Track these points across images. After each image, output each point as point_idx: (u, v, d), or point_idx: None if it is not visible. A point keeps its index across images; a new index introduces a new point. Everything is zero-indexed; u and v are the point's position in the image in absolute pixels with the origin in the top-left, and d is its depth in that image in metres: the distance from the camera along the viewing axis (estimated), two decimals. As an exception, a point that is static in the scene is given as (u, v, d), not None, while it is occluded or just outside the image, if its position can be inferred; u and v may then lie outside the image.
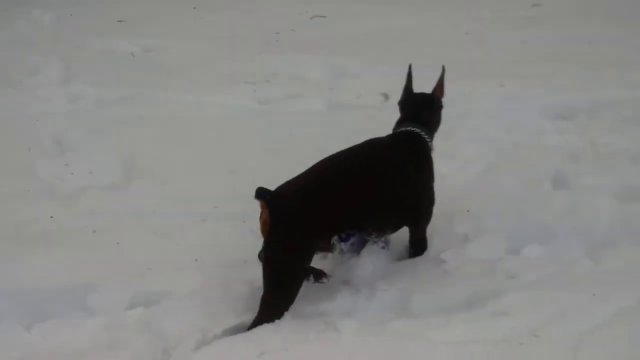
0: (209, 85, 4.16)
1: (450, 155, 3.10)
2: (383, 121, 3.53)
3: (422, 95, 2.48)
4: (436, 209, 2.41)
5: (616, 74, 4.10)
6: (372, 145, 2.35)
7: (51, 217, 2.71)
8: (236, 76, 4.32)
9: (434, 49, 4.93)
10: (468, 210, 2.65)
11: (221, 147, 3.30)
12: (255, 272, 2.12)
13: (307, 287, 2.19)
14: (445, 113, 2.54)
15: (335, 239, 2.29)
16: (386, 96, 3.93)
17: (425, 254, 2.40)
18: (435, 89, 2.47)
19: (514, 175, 2.90)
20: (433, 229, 2.47)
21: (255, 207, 2.09)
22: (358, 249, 2.35)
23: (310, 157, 3.08)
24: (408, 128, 2.38)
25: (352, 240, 2.35)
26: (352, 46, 5.13)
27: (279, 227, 2.00)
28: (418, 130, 2.37)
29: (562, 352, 1.84)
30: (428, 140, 2.38)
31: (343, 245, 2.35)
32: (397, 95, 3.79)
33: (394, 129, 2.46)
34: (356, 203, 2.13)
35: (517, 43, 4.97)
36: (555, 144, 3.23)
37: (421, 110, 2.43)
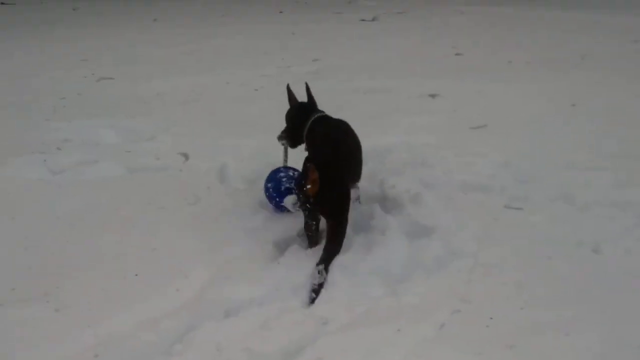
0: (-7, 158, 3.85)
1: (256, 209, 3.16)
2: (186, 180, 3.56)
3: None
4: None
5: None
6: (345, 126, 3.22)
7: None
8: (23, 146, 4.06)
9: (227, 105, 5.04)
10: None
11: (12, 223, 3.06)
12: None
13: None
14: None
15: None
16: (186, 156, 3.92)
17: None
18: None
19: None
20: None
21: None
22: None
23: (112, 225, 2.99)
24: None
25: None
26: (144, 107, 5.08)
27: (328, 181, 2.72)
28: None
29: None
30: None
31: None
32: (197, 154, 3.82)
33: (311, 117, 3.19)
34: (352, 163, 3.08)
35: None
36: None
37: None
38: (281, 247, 2.82)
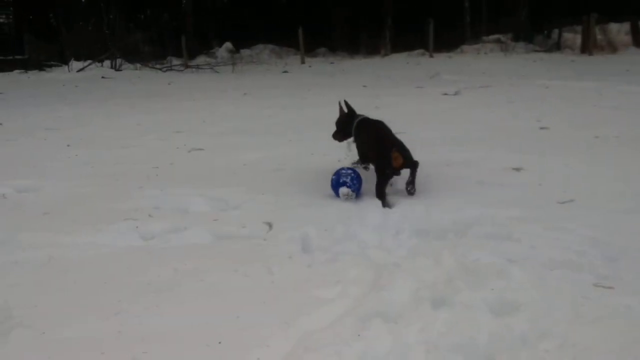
0: (88, 225, 4.05)
1: (335, 282, 3.18)
2: (268, 250, 3.63)
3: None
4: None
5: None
6: (380, 123, 4.99)
7: None
8: (116, 213, 4.27)
9: (310, 175, 5.15)
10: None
11: (104, 289, 3.18)
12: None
13: None
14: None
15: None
16: (270, 225, 4.01)
17: None
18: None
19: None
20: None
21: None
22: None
23: (198, 292, 3.07)
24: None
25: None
26: (231, 177, 5.26)
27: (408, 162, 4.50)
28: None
29: None
30: None
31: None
32: (280, 223, 3.91)
33: (356, 119, 5.11)
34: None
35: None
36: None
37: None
38: (363, 320, 2.80)
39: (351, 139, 5.14)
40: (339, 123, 5.17)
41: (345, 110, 5.15)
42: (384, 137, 4.72)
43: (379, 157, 4.56)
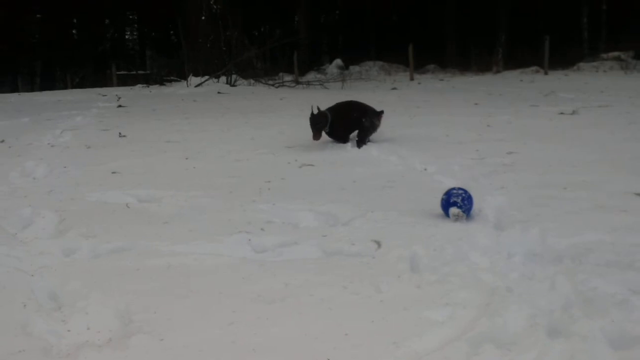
0: (205, 235, 4.22)
1: (444, 304, 3.14)
2: (377, 268, 3.64)
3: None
4: None
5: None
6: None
7: (48, 378, 2.65)
8: (231, 225, 4.41)
9: (421, 193, 5.11)
10: None
11: (219, 299, 3.30)
12: None
13: None
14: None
15: None
16: (378, 243, 4.01)
17: None
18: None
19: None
20: None
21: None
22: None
23: (307, 306, 3.13)
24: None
25: None
26: (341, 193, 5.30)
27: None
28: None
29: None
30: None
31: None
32: (389, 241, 3.93)
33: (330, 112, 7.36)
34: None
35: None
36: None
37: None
38: (474, 345, 2.74)
39: (326, 129, 7.24)
40: (315, 123, 7.12)
41: (316, 111, 7.13)
42: (366, 107, 7.53)
43: (366, 118, 7.32)
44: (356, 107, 7.54)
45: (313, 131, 7.15)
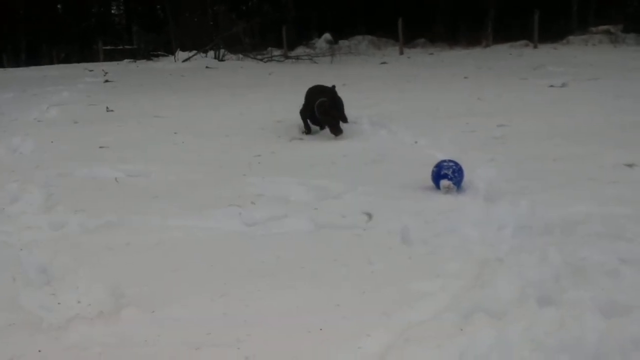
0: (195, 209, 4.20)
1: (435, 275, 3.14)
2: (368, 240, 3.63)
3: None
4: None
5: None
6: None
7: (39, 351, 2.63)
8: (221, 199, 4.39)
9: (410, 167, 5.10)
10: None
11: (210, 272, 3.30)
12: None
13: None
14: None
15: None
16: (370, 216, 4.01)
17: None
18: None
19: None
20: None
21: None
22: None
23: (299, 279, 3.13)
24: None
25: None
26: (332, 167, 5.30)
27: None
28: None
29: None
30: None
31: None
32: (380, 214, 3.93)
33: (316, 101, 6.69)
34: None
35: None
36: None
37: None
38: (465, 315, 2.75)
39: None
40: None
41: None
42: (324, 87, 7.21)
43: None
44: (321, 90, 7.02)
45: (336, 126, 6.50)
